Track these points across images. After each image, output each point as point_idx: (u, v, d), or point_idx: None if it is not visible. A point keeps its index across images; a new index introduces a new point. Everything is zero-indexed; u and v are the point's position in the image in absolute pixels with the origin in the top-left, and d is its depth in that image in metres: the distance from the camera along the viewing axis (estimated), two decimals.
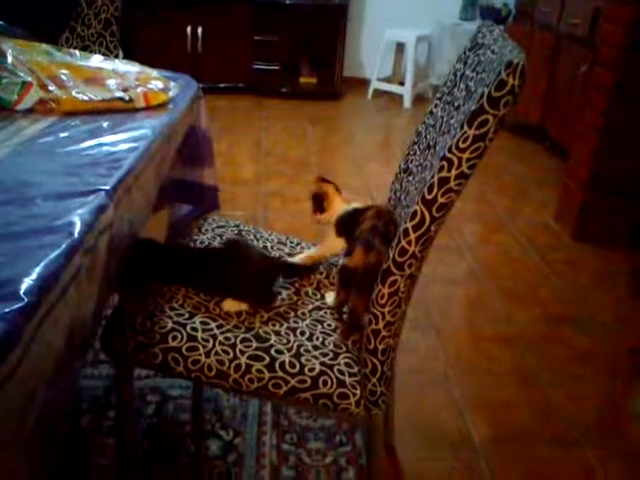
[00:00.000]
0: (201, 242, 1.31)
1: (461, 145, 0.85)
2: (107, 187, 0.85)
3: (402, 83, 4.61)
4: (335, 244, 1.19)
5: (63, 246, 0.68)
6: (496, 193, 3.08)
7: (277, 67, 4.60)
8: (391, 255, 0.93)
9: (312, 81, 4.66)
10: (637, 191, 2.57)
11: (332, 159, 3.52)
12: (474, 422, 1.60)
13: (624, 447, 1.57)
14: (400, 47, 4.66)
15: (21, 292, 0.58)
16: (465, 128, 0.85)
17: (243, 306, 1.10)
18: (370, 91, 4.68)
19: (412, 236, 0.91)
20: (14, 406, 0.54)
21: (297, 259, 1.25)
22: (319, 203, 1.21)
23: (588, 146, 2.58)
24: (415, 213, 0.90)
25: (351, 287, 1.07)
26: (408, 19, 4.66)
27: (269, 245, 1.34)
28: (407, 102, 4.54)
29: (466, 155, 0.85)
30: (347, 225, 1.16)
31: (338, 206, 1.21)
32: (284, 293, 1.18)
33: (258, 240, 1.35)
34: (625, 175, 2.55)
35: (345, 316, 1.11)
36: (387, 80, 4.75)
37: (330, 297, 1.16)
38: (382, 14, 4.78)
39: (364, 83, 4.80)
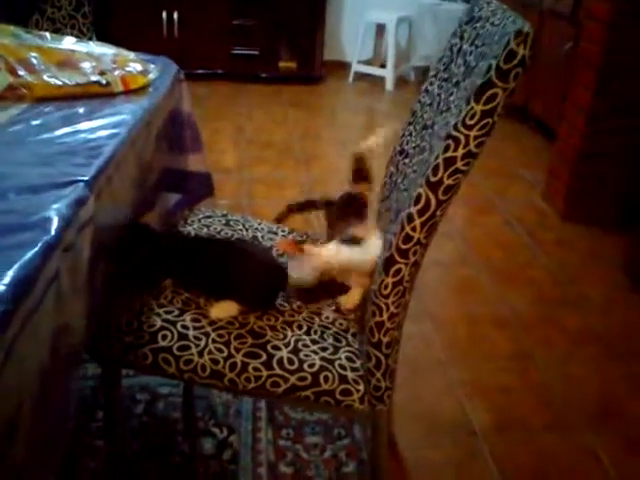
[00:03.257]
0: (188, 233, 1.25)
1: (468, 122, 0.80)
2: (86, 177, 0.78)
3: (383, 65, 4.54)
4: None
5: (39, 245, 0.61)
6: (482, 174, 3.04)
7: (256, 52, 4.49)
8: (394, 242, 0.88)
9: (292, 65, 4.57)
10: (625, 169, 2.54)
11: (316, 143, 3.45)
12: (473, 408, 1.57)
13: (624, 429, 1.55)
14: (380, 29, 4.59)
15: None
16: (472, 104, 0.79)
17: (233, 312, 1.02)
18: (351, 74, 4.61)
19: (417, 221, 0.85)
20: None
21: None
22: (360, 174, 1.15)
23: (575, 124, 2.54)
24: (419, 197, 0.84)
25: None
26: (388, 0, 4.58)
27: (259, 235, 1.28)
28: (389, 84, 4.48)
29: (474, 132, 0.80)
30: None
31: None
32: None
33: (247, 230, 1.29)
34: (613, 153, 2.52)
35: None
36: (368, 63, 4.67)
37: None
38: None
39: (345, 66, 4.72)
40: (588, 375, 1.73)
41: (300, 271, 1.06)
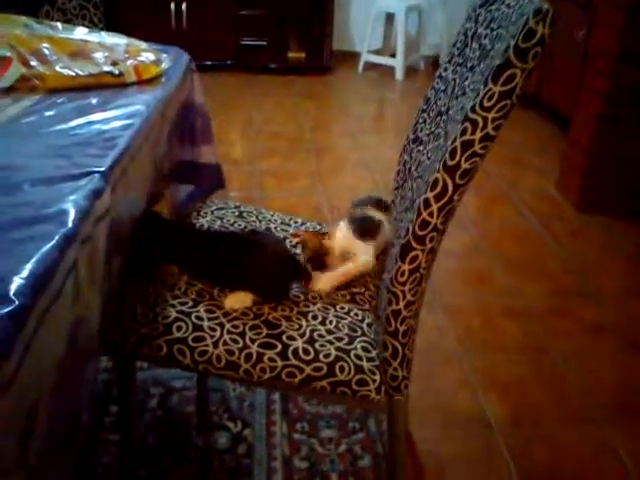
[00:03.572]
0: (201, 225, 1.24)
1: (486, 104, 0.78)
2: (102, 169, 0.77)
3: (393, 55, 4.50)
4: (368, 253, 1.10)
5: (56, 237, 0.60)
6: (495, 163, 3.01)
7: (264, 42, 4.47)
8: (411, 229, 0.86)
9: (301, 56, 4.54)
10: None
11: (326, 134, 3.43)
12: (488, 400, 1.56)
13: None
14: (390, 18, 4.55)
15: (11, 293, 0.50)
16: (490, 85, 0.77)
17: (247, 302, 1.01)
18: (361, 64, 4.57)
19: (434, 207, 0.84)
20: (12, 426, 0.46)
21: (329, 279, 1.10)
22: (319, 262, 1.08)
23: (590, 112, 2.50)
24: (436, 182, 0.83)
25: None
26: None
27: (273, 226, 1.27)
28: (399, 74, 4.44)
29: (491, 115, 0.78)
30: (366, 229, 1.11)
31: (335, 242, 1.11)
32: None
33: (261, 221, 1.28)
34: (629, 142, 2.48)
35: None
36: (378, 52, 4.63)
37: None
38: None
39: (354, 56, 4.68)
40: (605, 367, 1.71)
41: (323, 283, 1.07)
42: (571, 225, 2.49)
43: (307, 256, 1.10)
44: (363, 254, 1.09)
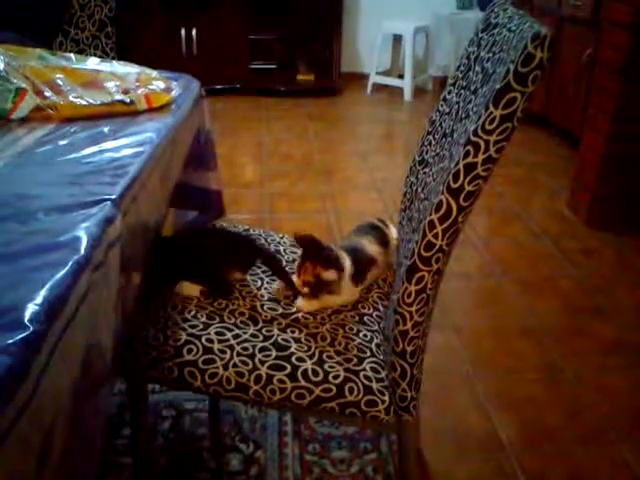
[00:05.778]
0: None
1: (487, 127, 0.79)
2: (113, 196, 0.79)
3: (401, 76, 4.55)
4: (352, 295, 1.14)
5: (69, 264, 0.61)
6: (505, 183, 3.02)
7: (274, 66, 4.55)
8: (416, 250, 0.87)
9: (310, 78, 4.60)
10: None
11: (335, 155, 3.46)
12: (501, 421, 1.54)
13: None
14: (398, 39, 4.60)
15: (25, 319, 0.52)
16: (491, 108, 0.79)
17: (195, 292, 1.08)
18: (369, 85, 4.62)
19: (438, 228, 0.85)
20: (30, 448, 0.47)
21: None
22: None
23: (599, 130, 2.51)
24: (440, 204, 0.84)
25: None
26: (404, 10, 4.60)
27: (282, 248, 1.28)
28: (407, 95, 4.48)
29: (493, 137, 0.80)
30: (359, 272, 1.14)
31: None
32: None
33: (270, 244, 1.30)
34: (639, 158, 2.48)
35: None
36: (386, 73, 4.68)
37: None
38: (378, 6, 4.71)
39: (363, 78, 4.74)
40: (621, 386, 1.69)
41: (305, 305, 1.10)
42: (583, 243, 2.48)
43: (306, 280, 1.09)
44: (348, 295, 1.13)
